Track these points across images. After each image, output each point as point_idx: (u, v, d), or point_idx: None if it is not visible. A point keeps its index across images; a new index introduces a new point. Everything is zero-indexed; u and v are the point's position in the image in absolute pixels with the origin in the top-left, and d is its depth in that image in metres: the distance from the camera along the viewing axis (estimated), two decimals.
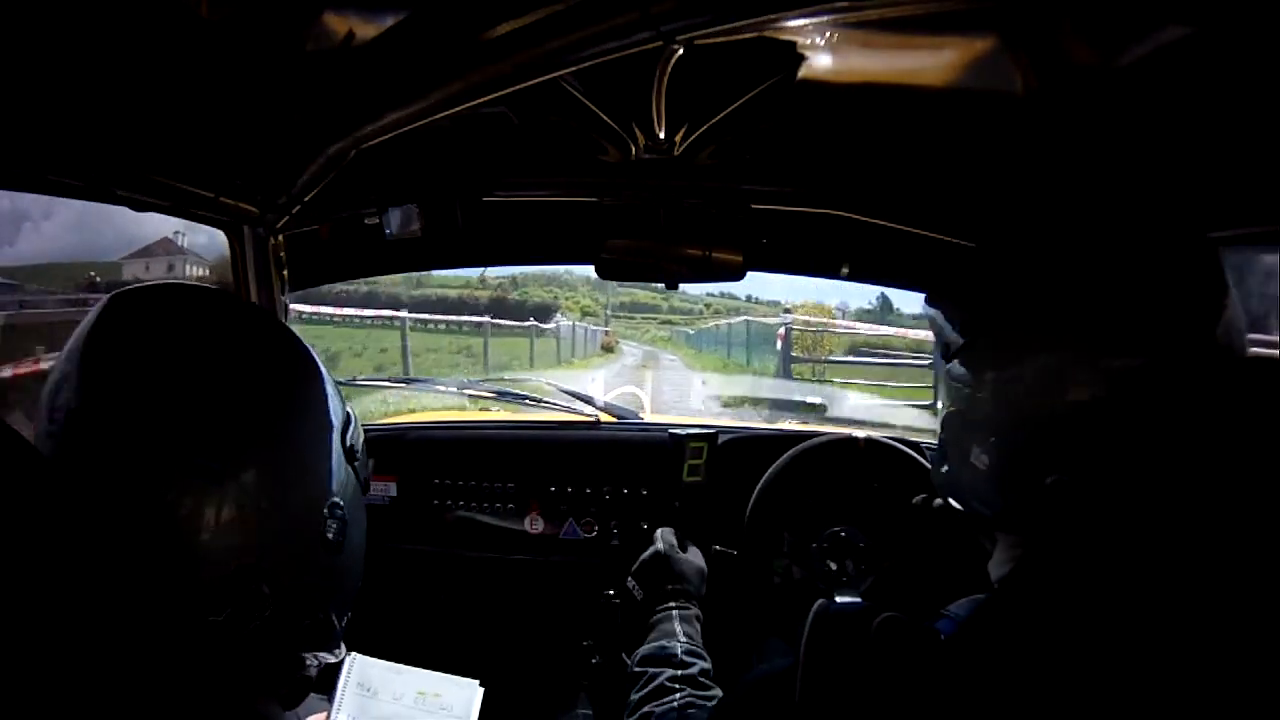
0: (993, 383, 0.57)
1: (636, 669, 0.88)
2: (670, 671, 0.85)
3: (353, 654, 0.61)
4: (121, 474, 0.47)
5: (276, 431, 0.53)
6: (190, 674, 0.47)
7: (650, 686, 0.84)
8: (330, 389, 0.59)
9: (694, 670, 0.85)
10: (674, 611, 0.97)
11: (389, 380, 1.78)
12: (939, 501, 0.65)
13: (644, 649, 0.91)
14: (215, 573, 0.49)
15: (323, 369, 0.60)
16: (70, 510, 0.42)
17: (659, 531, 1.12)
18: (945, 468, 0.64)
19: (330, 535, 0.55)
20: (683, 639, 0.91)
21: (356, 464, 0.60)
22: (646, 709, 0.82)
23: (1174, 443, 0.44)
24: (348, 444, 0.59)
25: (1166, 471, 0.43)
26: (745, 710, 0.63)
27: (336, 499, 0.56)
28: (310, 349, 0.60)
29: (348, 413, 0.61)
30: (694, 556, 1.09)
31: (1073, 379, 0.52)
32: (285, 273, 1.23)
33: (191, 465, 0.48)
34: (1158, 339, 0.50)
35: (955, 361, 0.61)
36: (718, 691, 0.84)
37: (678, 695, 0.81)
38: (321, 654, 0.57)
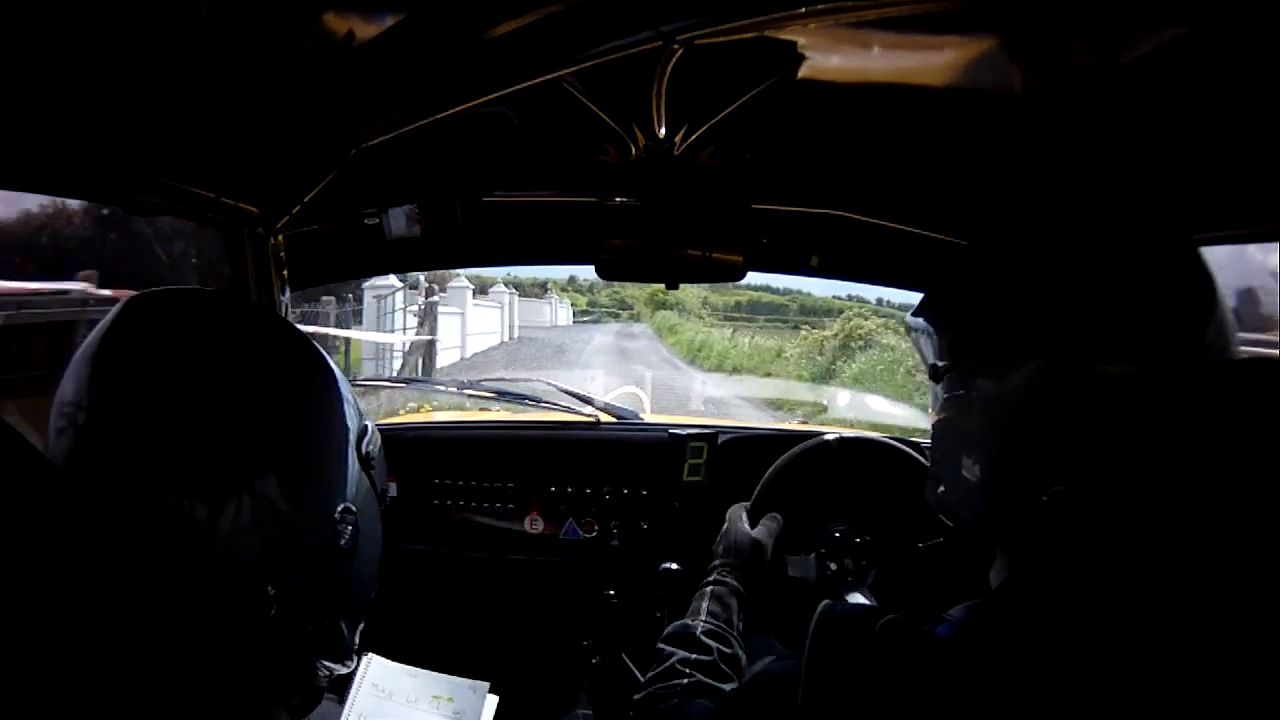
0: (984, 391, 0.57)
1: (658, 645, 0.87)
2: (684, 654, 0.83)
3: (369, 655, 0.61)
4: (131, 475, 0.46)
5: (292, 436, 0.52)
6: (194, 678, 0.47)
7: (661, 667, 0.83)
8: (347, 395, 0.59)
9: (710, 656, 0.83)
10: (709, 588, 0.95)
11: (389, 380, 1.78)
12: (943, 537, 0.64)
13: (670, 626, 0.90)
14: (221, 572, 0.48)
15: (339, 375, 0.59)
16: (75, 513, 0.42)
17: (732, 509, 1.10)
18: (940, 485, 0.63)
19: (343, 542, 0.54)
20: (705, 619, 0.90)
21: (373, 472, 0.59)
22: (652, 690, 0.80)
23: (1166, 450, 0.44)
24: (363, 451, 0.58)
25: (1160, 480, 0.43)
26: (749, 707, 0.63)
27: (350, 505, 0.55)
28: (326, 356, 0.59)
29: (365, 423, 0.60)
30: (762, 528, 1.06)
31: (1063, 387, 0.52)
32: (285, 273, 1.23)
33: (201, 469, 0.48)
34: (1147, 344, 0.50)
35: (945, 370, 0.61)
36: (732, 683, 0.81)
37: (685, 680, 0.80)
38: (332, 664, 0.56)
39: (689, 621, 0.89)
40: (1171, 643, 0.41)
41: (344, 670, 0.57)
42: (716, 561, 1.01)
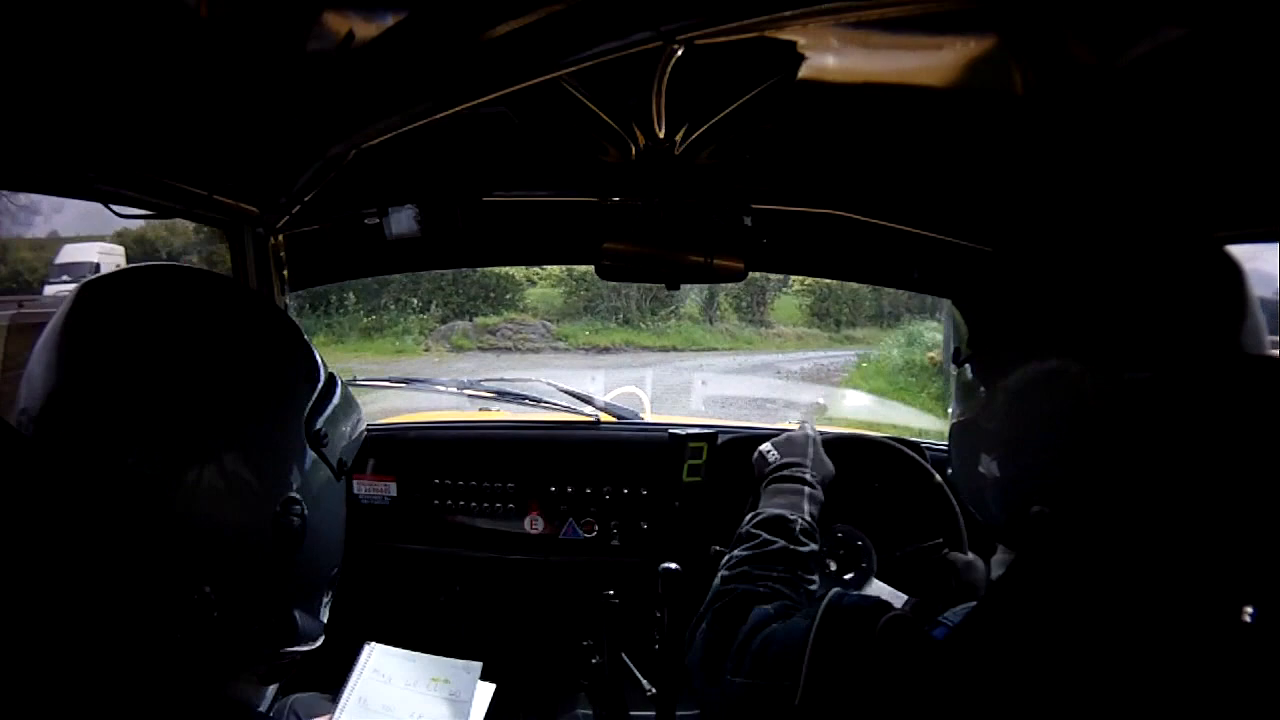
0: (1005, 394, 0.57)
1: (752, 529, 0.86)
2: (783, 543, 0.82)
3: (371, 644, 0.63)
4: (48, 467, 0.45)
5: (223, 426, 0.50)
6: (140, 665, 0.46)
7: (761, 550, 0.82)
8: (301, 364, 0.56)
9: (805, 550, 0.83)
10: (807, 490, 0.95)
11: (389, 380, 1.78)
12: (955, 554, 0.65)
13: (767, 511, 0.89)
14: (152, 573, 0.47)
15: (301, 343, 0.56)
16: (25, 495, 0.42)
17: (806, 423, 1.11)
18: (954, 475, 0.64)
19: (289, 531, 0.52)
20: (807, 517, 0.89)
21: (324, 449, 0.57)
22: (746, 568, 0.79)
23: (1194, 452, 0.43)
24: (315, 429, 0.55)
25: (1171, 489, 0.43)
26: (759, 673, 0.63)
27: (294, 494, 0.53)
28: (289, 324, 0.57)
29: (327, 386, 0.57)
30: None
31: (1090, 392, 0.51)
32: (285, 273, 1.23)
33: (123, 462, 0.46)
34: (1183, 343, 0.50)
35: (966, 368, 0.61)
36: (815, 584, 0.82)
37: (779, 569, 0.79)
38: (296, 648, 0.56)
39: (786, 514, 0.88)
40: (1161, 649, 0.41)
41: (310, 648, 0.57)
42: (807, 468, 0.98)
